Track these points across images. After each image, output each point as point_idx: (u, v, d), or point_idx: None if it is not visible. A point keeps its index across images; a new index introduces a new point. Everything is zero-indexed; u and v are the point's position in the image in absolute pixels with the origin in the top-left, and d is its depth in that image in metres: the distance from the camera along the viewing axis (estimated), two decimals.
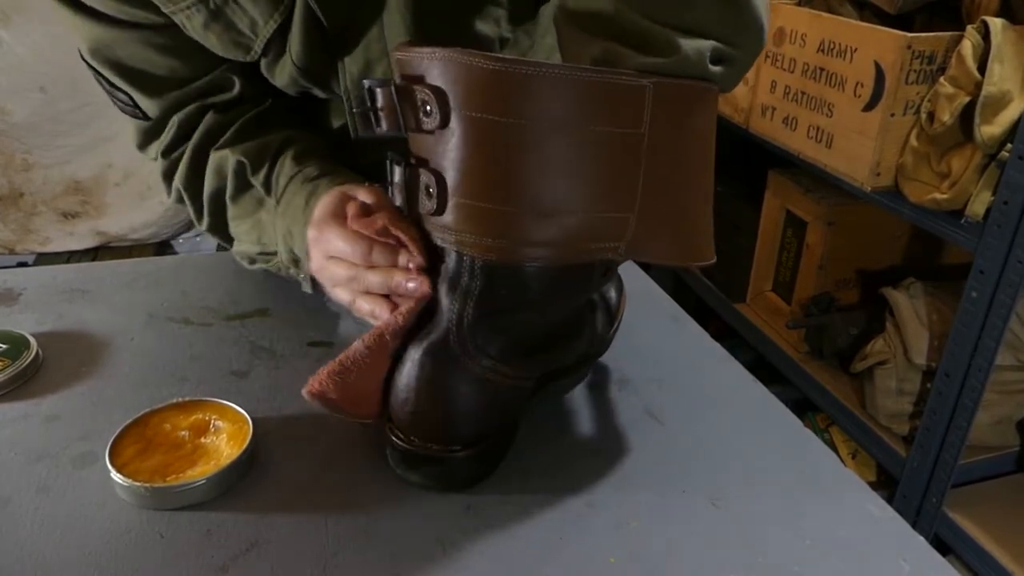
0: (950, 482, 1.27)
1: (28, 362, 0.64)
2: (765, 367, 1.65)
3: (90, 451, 0.56)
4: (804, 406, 1.63)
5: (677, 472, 0.56)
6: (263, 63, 0.66)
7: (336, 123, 0.75)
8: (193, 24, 0.61)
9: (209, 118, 0.69)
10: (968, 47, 1.12)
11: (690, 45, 0.46)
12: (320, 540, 0.49)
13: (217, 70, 0.68)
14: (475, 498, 0.53)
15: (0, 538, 0.49)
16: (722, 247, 0.53)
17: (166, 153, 0.71)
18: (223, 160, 0.68)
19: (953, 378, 1.21)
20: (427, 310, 0.51)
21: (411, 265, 0.52)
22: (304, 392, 0.51)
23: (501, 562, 0.48)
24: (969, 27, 1.13)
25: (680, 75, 0.46)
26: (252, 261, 0.73)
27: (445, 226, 0.48)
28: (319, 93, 0.69)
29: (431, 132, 0.47)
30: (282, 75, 0.66)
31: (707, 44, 0.47)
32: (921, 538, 0.51)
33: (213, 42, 0.63)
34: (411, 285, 0.51)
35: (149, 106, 0.68)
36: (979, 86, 1.10)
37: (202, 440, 0.55)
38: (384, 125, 0.49)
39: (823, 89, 1.36)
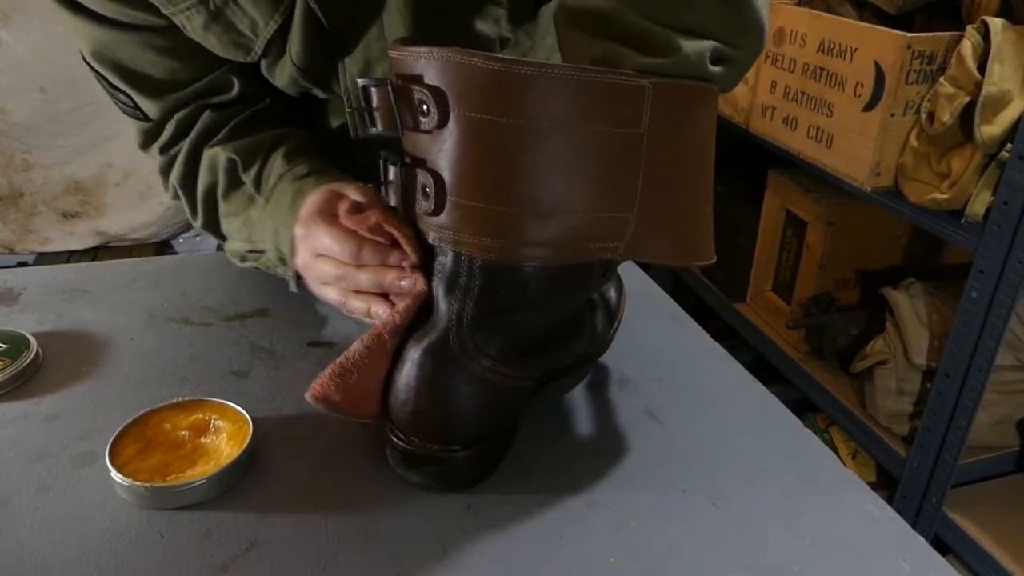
0: (950, 482, 1.27)
1: (28, 362, 0.64)
2: (765, 367, 1.65)
3: (90, 451, 0.56)
4: (804, 406, 1.63)
5: (677, 472, 0.56)
6: (263, 64, 0.66)
7: (336, 123, 0.75)
8: (193, 25, 0.62)
9: (206, 116, 0.69)
10: (968, 47, 1.12)
11: (690, 45, 0.46)
12: (320, 540, 0.49)
13: (217, 71, 0.68)
14: (475, 498, 0.53)
15: (0, 538, 0.49)
16: (722, 247, 0.53)
17: (164, 150, 0.71)
18: (215, 157, 0.69)
19: (953, 378, 1.21)
20: (423, 308, 0.51)
21: (405, 263, 0.52)
22: (307, 396, 0.51)
23: (501, 562, 0.48)
24: (969, 27, 1.13)
25: (680, 75, 0.46)
26: (243, 259, 0.73)
27: (443, 226, 0.48)
28: (319, 93, 0.69)
29: (429, 132, 0.47)
30: (282, 75, 0.66)
31: (707, 44, 0.47)
32: (921, 538, 0.51)
33: (213, 43, 0.63)
34: (405, 283, 0.51)
35: (149, 108, 0.69)
36: (979, 86, 1.10)
37: (202, 440, 0.55)
38: (379, 125, 0.49)
39: (823, 89, 1.36)
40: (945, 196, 1.16)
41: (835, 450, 1.55)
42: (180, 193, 0.73)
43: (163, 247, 2.17)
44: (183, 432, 0.55)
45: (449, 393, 0.51)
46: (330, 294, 0.59)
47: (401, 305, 0.51)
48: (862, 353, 1.45)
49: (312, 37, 0.62)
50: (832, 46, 1.33)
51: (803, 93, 1.42)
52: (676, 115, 0.47)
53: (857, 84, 1.27)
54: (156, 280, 0.81)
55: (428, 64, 0.46)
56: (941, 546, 1.30)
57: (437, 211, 0.48)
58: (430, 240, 0.50)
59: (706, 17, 0.46)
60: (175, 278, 0.82)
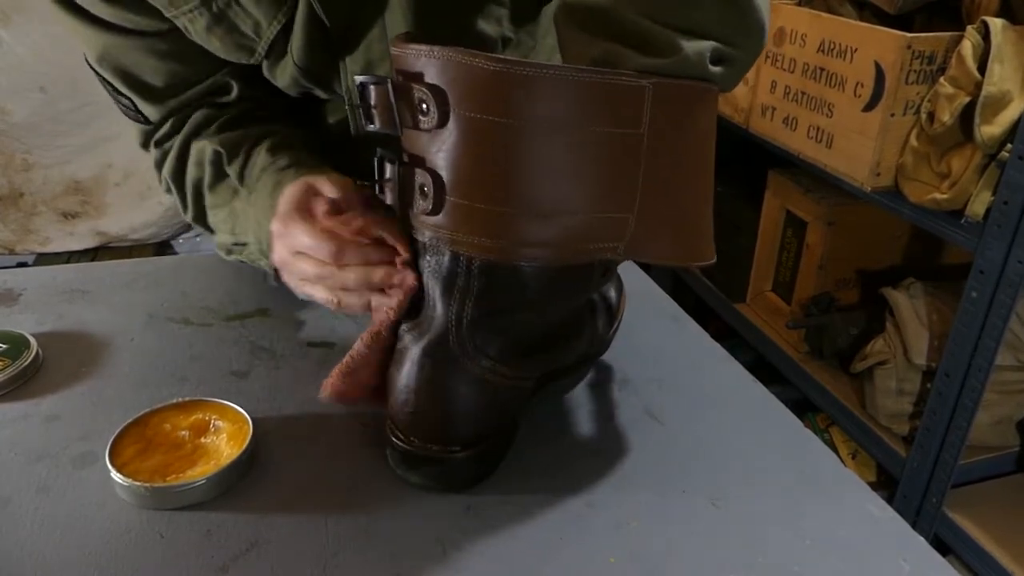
0: (950, 482, 1.27)
1: (28, 362, 0.64)
2: (765, 367, 1.65)
3: (90, 451, 0.56)
4: (804, 406, 1.63)
5: (677, 472, 0.56)
6: (265, 65, 0.66)
7: (335, 123, 0.75)
8: (196, 28, 0.61)
9: (199, 113, 0.70)
10: (968, 47, 1.12)
11: (690, 45, 0.46)
12: (320, 540, 0.49)
13: (218, 73, 0.68)
14: (475, 498, 0.53)
15: (0, 538, 0.49)
16: (722, 247, 0.53)
17: (158, 143, 0.71)
18: (203, 150, 0.69)
19: (953, 378, 1.21)
20: (413, 303, 0.52)
21: (397, 260, 0.52)
22: (322, 396, 0.53)
23: (501, 562, 0.48)
24: (969, 27, 1.13)
25: (680, 75, 0.46)
26: (228, 251, 0.73)
27: (440, 226, 0.48)
28: (320, 93, 0.69)
29: (428, 131, 0.47)
30: (283, 76, 0.66)
31: (707, 44, 0.46)
32: (921, 538, 0.51)
33: (216, 46, 0.63)
34: (396, 279, 0.52)
35: (151, 111, 0.69)
36: (979, 86, 1.10)
37: (202, 440, 0.55)
38: (377, 123, 0.49)
39: (823, 89, 1.36)
40: (945, 196, 1.16)
41: (835, 450, 1.55)
42: (172, 186, 0.73)
43: (163, 247, 2.17)
44: (183, 432, 0.55)
45: (449, 393, 0.51)
46: (315, 292, 0.58)
47: (394, 301, 0.52)
48: (862, 353, 1.45)
49: (314, 37, 0.62)
50: (832, 46, 1.33)
51: (803, 93, 1.42)
52: (676, 115, 0.47)
53: (857, 84, 1.27)
54: (156, 280, 0.81)
55: (429, 62, 0.45)
56: (941, 546, 1.30)
57: (435, 211, 0.48)
58: (427, 240, 0.50)
59: (706, 17, 0.46)
60: (175, 278, 0.82)
